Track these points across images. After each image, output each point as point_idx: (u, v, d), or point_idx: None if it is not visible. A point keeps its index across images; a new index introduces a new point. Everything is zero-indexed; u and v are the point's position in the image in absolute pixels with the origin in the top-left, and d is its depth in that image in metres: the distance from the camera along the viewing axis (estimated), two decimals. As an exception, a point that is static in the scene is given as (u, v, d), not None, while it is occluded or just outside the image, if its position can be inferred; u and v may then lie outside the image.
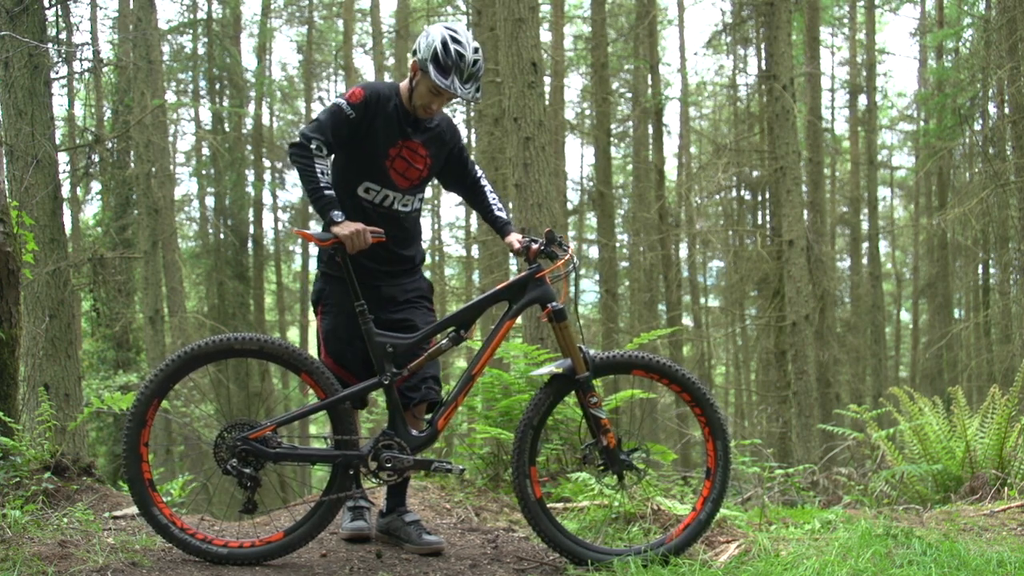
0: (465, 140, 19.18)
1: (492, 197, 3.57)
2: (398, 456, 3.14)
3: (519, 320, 3.40)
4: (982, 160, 12.24)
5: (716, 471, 3.27)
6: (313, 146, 3.14)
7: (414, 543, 3.36)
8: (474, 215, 20.27)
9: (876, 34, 21.61)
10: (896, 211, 28.36)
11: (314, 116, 3.27)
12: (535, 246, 3.27)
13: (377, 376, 3.18)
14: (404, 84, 3.38)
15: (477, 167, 3.63)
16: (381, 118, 3.28)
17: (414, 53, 3.26)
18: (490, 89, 11.76)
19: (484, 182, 3.59)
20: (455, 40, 3.21)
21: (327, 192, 3.15)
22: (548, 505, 3.38)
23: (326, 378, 3.16)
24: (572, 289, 3.34)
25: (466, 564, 3.25)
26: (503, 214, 3.53)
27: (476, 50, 3.26)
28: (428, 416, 3.37)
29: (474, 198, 3.61)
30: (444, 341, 3.21)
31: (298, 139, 3.18)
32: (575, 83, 22.38)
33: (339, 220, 3.13)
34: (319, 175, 3.14)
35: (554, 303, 3.22)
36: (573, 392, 3.29)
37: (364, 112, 3.24)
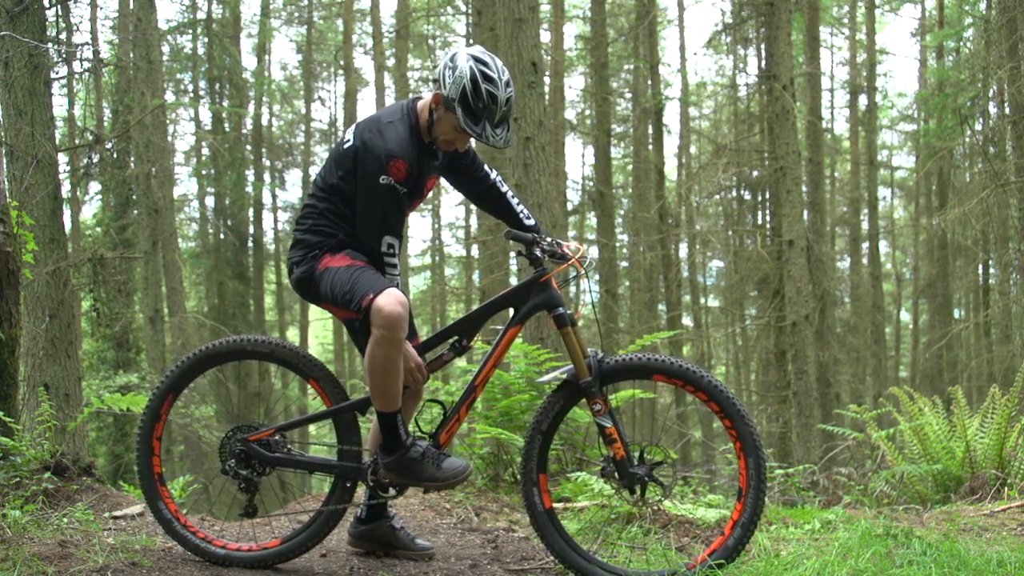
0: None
1: (520, 206, 3.31)
2: None
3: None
4: (982, 160, 12.24)
5: (748, 492, 2.91)
6: (384, 248, 2.97)
7: (409, 548, 3.29)
8: (474, 215, 20.24)
9: (876, 34, 21.63)
10: (896, 211, 28.38)
11: (372, 208, 2.97)
12: (539, 249, 3.04)
13: None
14: (419, 115, 3.03)
15: (494, 171, 3.33)
16: (416, 171, 3.00)
17: (436, 82, 2.94)
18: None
19: (504, 188, 3.31)
20: (487, 77, 2.86)
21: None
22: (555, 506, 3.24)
23: (333, 386, 3.12)
24: (585, 297, 3.13)
25: (466, 564, 3.25)
26: (532, 220, 3.28)
27: (508, 84, 2.91)
28: (431, 431, 3.19)
29: (494, 206, 3.35)
30: (445, 352, 3.10)
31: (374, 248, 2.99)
32: (575, 83, 22.41)
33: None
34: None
35: (559, 308, 3.01)
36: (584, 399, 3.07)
37: (412, 183, 3.00)
